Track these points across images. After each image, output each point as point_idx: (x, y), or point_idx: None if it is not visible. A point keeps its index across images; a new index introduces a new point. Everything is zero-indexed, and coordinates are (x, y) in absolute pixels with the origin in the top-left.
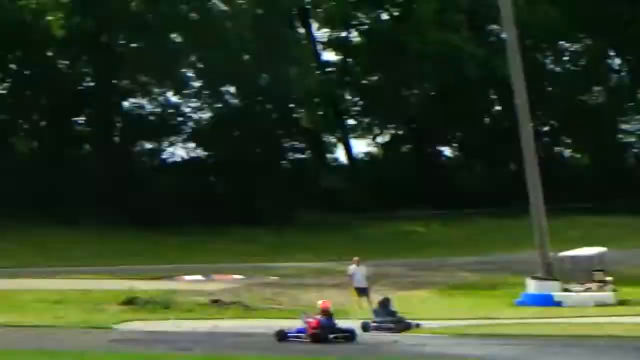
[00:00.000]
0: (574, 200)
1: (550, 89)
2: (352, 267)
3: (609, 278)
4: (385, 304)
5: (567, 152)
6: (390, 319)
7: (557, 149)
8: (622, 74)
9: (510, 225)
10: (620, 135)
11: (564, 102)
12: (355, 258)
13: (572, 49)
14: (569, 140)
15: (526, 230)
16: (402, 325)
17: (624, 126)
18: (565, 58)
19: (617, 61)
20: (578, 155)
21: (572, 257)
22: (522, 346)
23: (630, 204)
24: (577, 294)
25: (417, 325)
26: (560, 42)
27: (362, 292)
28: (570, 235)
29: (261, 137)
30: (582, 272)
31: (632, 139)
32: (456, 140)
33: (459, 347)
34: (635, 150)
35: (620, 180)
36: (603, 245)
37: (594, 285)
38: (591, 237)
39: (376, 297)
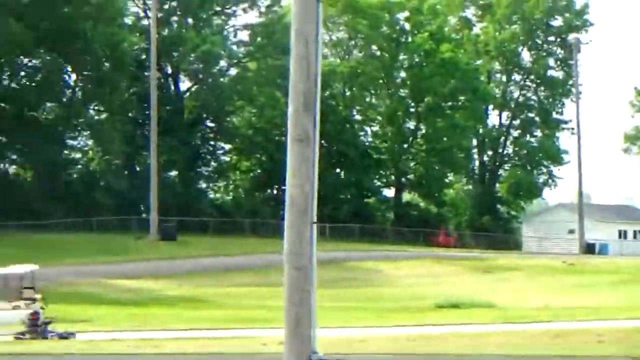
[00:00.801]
0: (15, 218)
1: (2, 104)
2: None
3: (38, 295)
4: None
5: (12, 168)
6: None
7: (2, 165)
8: (77, 89)
9: None
10: (66, 152)
11: (14, 117)
12: None
13: (30, 64)
14: (15, 156)
15: None
16: None
17: (71, 142)
18: (23, 73)
19: (73, 77)
20: (22, 172)
21: (3, 275)
22: None
23: (72, 220)
24: (4, 312)
25: None
26: (21, 57)
27: None
28: (5, 253)
29: None
30: (13, 289)
31: (79, 155)
32: None
33: None
34: (79, 166)
35: (62, 196)
36: (39, 263)
37: (22, 303)
38: (27, 255)
39: None
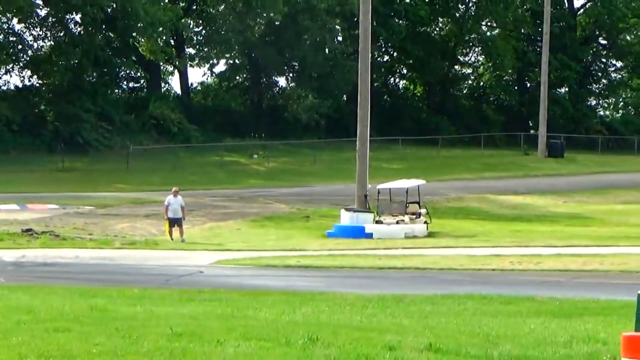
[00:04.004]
0: (404, 132)
1: (396, 20)
2: (169, 198)
3: (423, 210)
4: None
5: (402, 83)
6: None
7: (392, 79)
8: (470, 5)
9: (335, 157)
10: (457, 67)
11: (407, 32)
12: (174, 188)
13: None
14: (405, 71)
15: (351, 162)
16: None
17: (462, 58)
18: None
19: None
20: (412, 86)
21: (388, 189)
22: (326, 278)
23: (460, 136)
24: (388, 226)
25: None
26: None
27: (176, 222)
28: (394, 167)
29: (99, 65)
30: (397, 204)
31: (469, 70)
32: (293, 69)
33: (262, 279)
34: (469, 81)
35: (451, 111)
36: (425, 177)
37: (406, 217)
38: (415, 169)
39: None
